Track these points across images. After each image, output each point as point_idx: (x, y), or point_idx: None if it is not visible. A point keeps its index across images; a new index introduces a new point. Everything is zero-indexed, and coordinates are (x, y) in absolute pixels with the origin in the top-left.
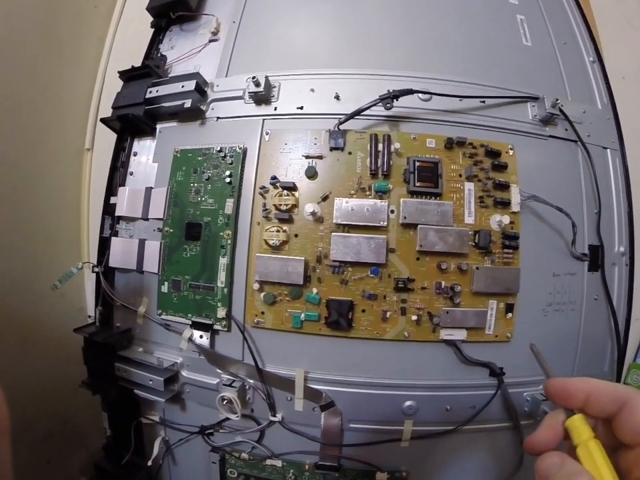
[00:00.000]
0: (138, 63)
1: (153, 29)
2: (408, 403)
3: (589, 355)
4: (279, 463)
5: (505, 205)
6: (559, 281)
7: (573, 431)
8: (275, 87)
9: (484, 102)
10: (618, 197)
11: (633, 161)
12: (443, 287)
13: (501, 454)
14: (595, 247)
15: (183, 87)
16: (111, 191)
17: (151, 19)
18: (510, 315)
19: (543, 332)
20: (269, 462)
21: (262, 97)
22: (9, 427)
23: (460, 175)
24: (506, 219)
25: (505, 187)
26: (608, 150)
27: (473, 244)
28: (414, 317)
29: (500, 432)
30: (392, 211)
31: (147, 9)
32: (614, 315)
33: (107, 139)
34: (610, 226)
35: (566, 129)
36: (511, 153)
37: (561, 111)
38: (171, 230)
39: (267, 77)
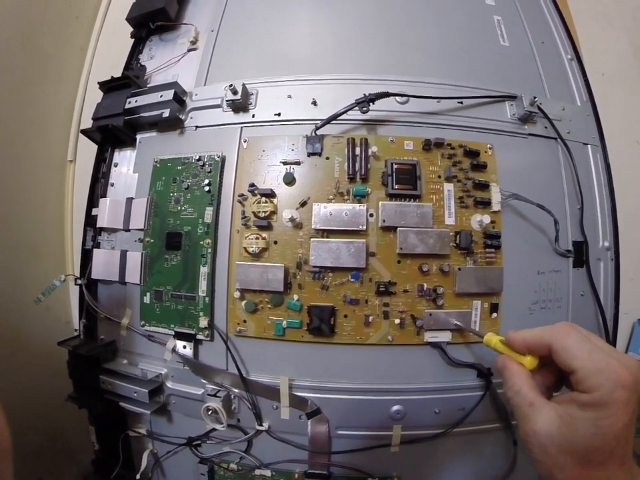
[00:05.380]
0: (119, 74)
1: (133, 40)
2: (395, 407)
3: None
4: (268, 473)
5: (485, 204)
6: (543, 278)
7: (490, 342)
8: (252, 94)
9: (462, 103)
10: (600, 192)
11: (614, 156)
12: (425, 289)
13: (493, 455)
14: (579, 243)
15: (161, 96)
16: (92, 202)
17: (131, 29)
18: (495, 314)
19: None
20: (258, 472)
21: (239, 105)
22: (10, 449)
23: (439, 176)
24: (487, 219)
25: (484, 186)
26: (589, 146)
27: (455, 245)
28: (397, 321)
29: (491, 433)
30: (371, 215)
31: (126, 19)
32: (601, 310)
33: (89, 150)
34: (593, 221)
35: (545, 127)
36: (490, 153)
37: (539, 108)
38: (152, 240)
39: (244, 85)
